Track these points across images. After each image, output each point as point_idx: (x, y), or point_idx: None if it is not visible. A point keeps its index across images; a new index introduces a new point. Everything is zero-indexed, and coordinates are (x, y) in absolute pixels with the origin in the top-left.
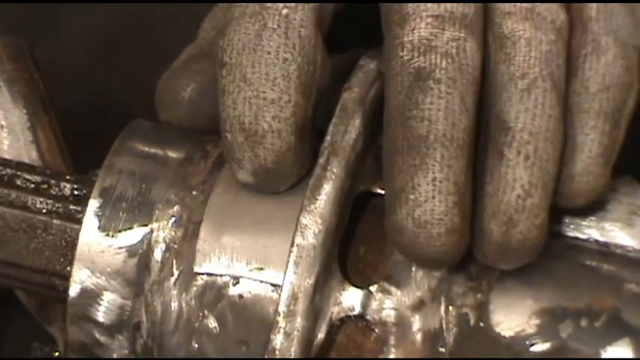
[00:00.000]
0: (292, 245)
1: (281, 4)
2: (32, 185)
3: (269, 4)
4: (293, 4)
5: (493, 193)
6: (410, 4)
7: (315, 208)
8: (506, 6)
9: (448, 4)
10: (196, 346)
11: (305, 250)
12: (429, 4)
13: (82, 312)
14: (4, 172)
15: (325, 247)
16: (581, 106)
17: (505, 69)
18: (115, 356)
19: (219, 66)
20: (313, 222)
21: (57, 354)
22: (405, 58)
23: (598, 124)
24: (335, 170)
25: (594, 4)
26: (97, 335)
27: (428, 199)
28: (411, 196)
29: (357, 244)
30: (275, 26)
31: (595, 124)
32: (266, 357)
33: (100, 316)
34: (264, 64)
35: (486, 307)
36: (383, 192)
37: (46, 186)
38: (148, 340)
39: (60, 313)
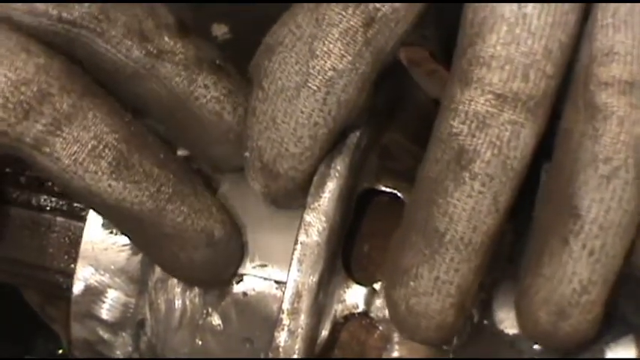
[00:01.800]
0: (296, 243)
1: (328, 63)
2: (36, 183)
3: (319, 52)
4: (341, 67)
5: (549, 277)
6: (476, 70)
7: (319, 205)
8: (604, 75)
9: (515, 84)
10: (200, 343)
11: (309, 247)
12: (495, 79)
13: (85, 309)
14: (8, 170)
15: (329, 245)
16: None
17: (590, 146)
18: (118, 353)
19: (257, 84)
20: (317, 220)
21: (60, 351)
22: (454, 129)
23: None
24: (339, 168)
25: None
26: (101, 332)
27: (426, 293)
28: (412, 283)
29: (361, 242)
30: (315, 88)
31: None
32: (270, 354)
33: (104, 313)
34: (294, 120)
35: (490, 304)
36: (386, 189)
37: (50, 183)
38: (151, 338)
39: (64, 310)
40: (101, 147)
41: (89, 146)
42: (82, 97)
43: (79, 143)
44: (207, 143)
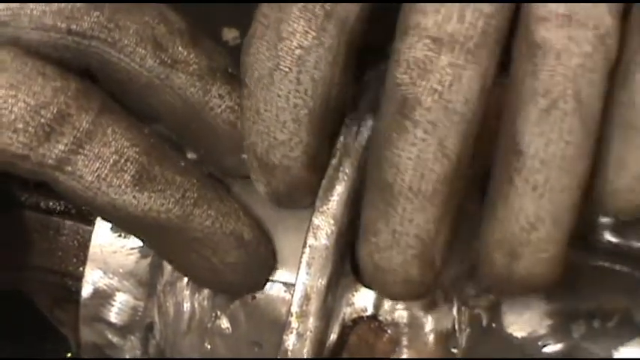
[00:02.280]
0: (305, 246)
1: (295, 42)
2: (45, 186)
3: (285, 34)
4: (307, 43)
5: (502, 219)
6: (413, 17)
7: (328, 209)
8: (541, 11)
9: (450, 26)
10: (209, 347)
11: (317, 250)
12: (430, 23)
13: (94, 313)
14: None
15: (337, 248)
16: (627, 120)
17: (530, 83)
18: (127, 357)
19: (243, 82)
20: (326, 223)
21: (69, 355)
22: (397, 79)
23: None
24: (347, 171)
25: None
26: (110, 336)
27: (387, 247)
28: (373, 239)
29: None
30: (287, 69)
31: None
32: (278, 358)
33: (113, 316)
34: (274, 106)
35: (499, 308)
36: None
37: None
38: (160, 341)
39: (72, 314)
40: (123, 161)
41: (111, 161)
42: (100, 114)
43: (101, 159)
44: (221, 153)
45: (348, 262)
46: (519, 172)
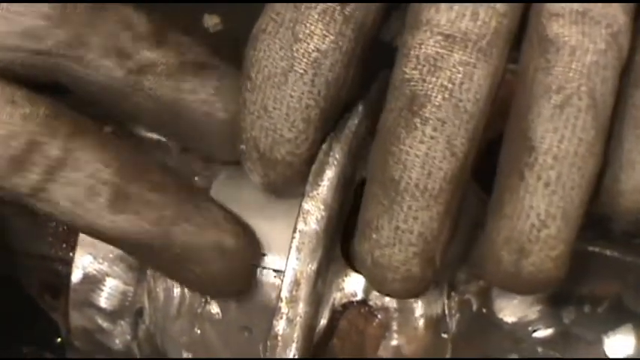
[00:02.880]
0: (295, 231)
1: (312, 45)
2: None
3: (302, 35)
4: (324, 47)
5: (509, 215)
6: (425, 12)
7: (318, 194)
8: (555, 7)
9: (463, 24)
10: (199, 332)
11: (307, 236)
12: (443, 20)
13: (84, 298)
14: None
15: (327, 233)
16: (638, 121)
17: (542, 78)
18: (117, 342)
19: (245, 75)
20: (316, 208)
21: (59, 340)
22: (407, 75)
23: None
24: (337, 156)
25: None
26: (100, 321)
27: (388, 244)
28: (374, 236)
29: None
30: (302, 71)
31: None
32: (268, 343)
33: (103, 301)
34: (285, 105)
35: (489, 293)
36: None
37: None
38: (150, 326)
39: (62, 298)
40: (97, 185)
41: (85, 186)
42: (71, 138)
43: (75, 185)
44: (203, 143)
45: (338, 247)
46: (531, 167)
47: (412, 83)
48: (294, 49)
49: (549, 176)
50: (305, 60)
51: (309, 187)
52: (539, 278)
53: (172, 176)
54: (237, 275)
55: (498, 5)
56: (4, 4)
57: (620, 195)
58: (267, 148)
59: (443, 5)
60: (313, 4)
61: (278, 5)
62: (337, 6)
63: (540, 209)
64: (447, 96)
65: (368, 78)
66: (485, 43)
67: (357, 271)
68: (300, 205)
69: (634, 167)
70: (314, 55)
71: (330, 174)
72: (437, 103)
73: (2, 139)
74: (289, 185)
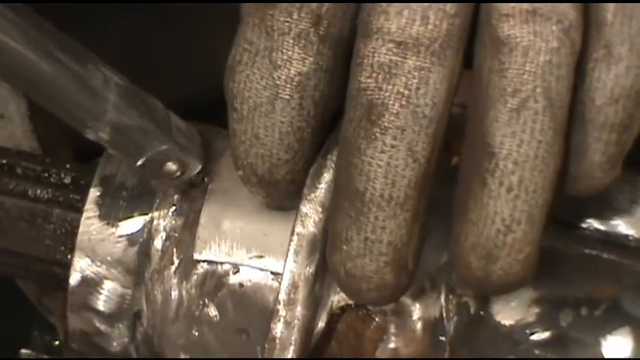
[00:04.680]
0: (293, 234)
1: (292, 70)
2: (32, 174)
3: (280, 62)
4: (306, 70)
5: (475, 221)
6: (375, 20)
7: (316, 196)
8: (504, 7)
9: (414, 29)
10: (197, 334)
11: (305, 238)
12: (393, 27)
13: (82, 300)
14: (4, 161)
15: (325, 236)
16: (585, 116)
17: (497, 81)
18: (115, 344)
19: (230, 106)
20: (314, 210)
21: (57, 343)
22: (362, 84)
23: (602, 135)
24: (335, 159)
25: (611, 5)
26: (98, 324)
27: (359, 255)
28: (345, 247)
29: None
30: (288, 97)
31: (599, 136)
32: (266, 345)
33: (101, 304)
34: (277, 131)
35: (486, 296)
36: None
37: (46, 174)
38: (148, 329)
39: (60, 301)
40: None
41: None
42: None
43: None
44: None
45: None
46: (492, 173)
47: (368, 92)
48: (276, 76)
49: (511, 181)
50: (289, 86)
51: (307, 190)
52: (509, 281)
53: None
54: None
55: (448, 6)
56: None
57: (574, 179)
58: (266, 172)
59: (392, 11)
60: (286, 30)
61: (249, 34)
62: (311, 28)
63: (505, 214)
64: (404, 103)
65: None
66: (438, 47)
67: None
68: (298, 208)
69: (584, 158)
70: (297, 79)
71: (327, 177)
72: (395, 111)
73: None
74: (294, 200)
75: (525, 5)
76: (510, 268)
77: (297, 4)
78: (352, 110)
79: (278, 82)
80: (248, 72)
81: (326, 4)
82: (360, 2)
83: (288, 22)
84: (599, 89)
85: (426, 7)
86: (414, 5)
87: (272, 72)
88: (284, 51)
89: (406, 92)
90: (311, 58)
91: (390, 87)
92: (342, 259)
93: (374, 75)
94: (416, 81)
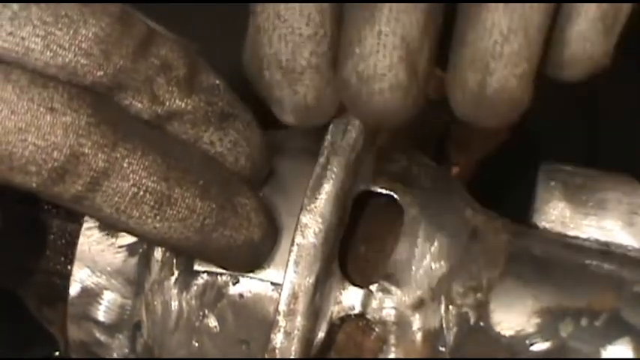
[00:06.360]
0: (292, 244)
1: None
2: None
3: None
4: None
5: (472, 41)
6: None
7: (316, 207)
8: None
9: None
10: (197, 345)
11: (305, 249)
12: None
13: (82, 311)
14: None
15: (325, 247)
16: None
17: None
18: (115, 355)
19: (253, 4)
20: (313, 221)
21: (57, 353)
22: None
23: None
24: (335, 170)
25: None
26: (98, 334)
27: (372, 53)
28: (357, 50)
29: (357, 243)
30: None
31: None
32: (266, 356)
33: (101, 315)
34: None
35: (486, 306)
36: (383, 191)
37: None
38: (148, 340)
39: (61, 312)
40: (141, 193)
41: (129, 194)
42: (114, 147)
43: (120, 194)
44: None
45: (336, 261)
46: None
47: None
48: None
49: None
50: None
51: (307, 201)
52: (504, 98)
53: (213, 169)
54: (259, 260)
55: None
56: (50, 37)
57: (565, 44)
58: (290, 55)
59: None
60: None
61: None
62: None
63: (502, 25)
64: None
65: None
66: None
67: (355, 284)
68: (298, 219)
69: (577, 12)
70: None
71: (328, 187)
72: None
73: (43, 150)
74: (321, 105)
75: None
76: (507, 82)
77: None
78: None
79: None
80: None
81: None
82: None
83: None
84: None
85: None
86: None
87: None
88: None
89: None
90: None
91: None
92: (353, 64)
93: None
94: None
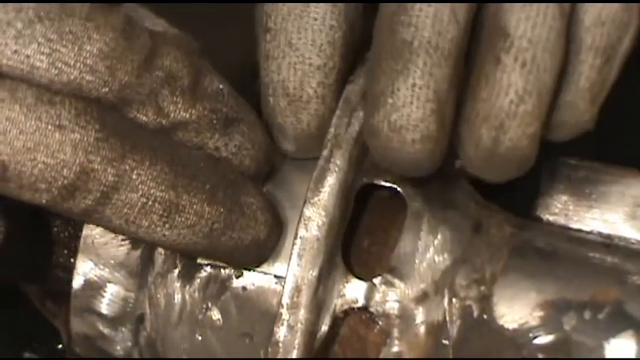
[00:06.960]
0: (296, 237)
1: None
2: None
3: None
4: None
5: (487, 98)
6: None
7: (319, 200)
8: None
9: None
10: (200, 338)
11: (308, 242)
12: None
13: (85, 304)
14: None
15: (329, 240)
16: (574, 36)
17: None
18: (118, 348)
19: (262, 31)
20: (317, 214)
21: (60, 346)
22: None
23: (588, 58)
24: (338, 162)
25: None
26: (101, 327)
27: (406, 104)
28: (390, 100)
29: (361, 237)
30: None
31: (585, 58)
32: (269, 349)
33: (104, 308)
34: (310, 30)
35: (490, 299)
36: (386, 184)
37: None
38: (151, 332)
39: (64, 305)
40: (150, 202)
41: (139, 205)
42: (123, 160)
43: (129, 205)
44: None
45: (339, 254)
46: (507, 51)
47: None
48: None
49: (525, 58)
50: None
51: (310, 194)
52: (515, 155)
53: (218, 172)
54: (265, 255)
55: None
56: (55, 54)
57: (556, 108)
58: (298, 84)
59: None
60: None
61: None
62: None
63: (518, 86)
64: None
65: None
66: None
67: (358, 277)
68: (302, 212)
69: (568, 81)
70: None
71: (331, 180)
72: None
73: (53, 168)
74: (323, 134)
75: None
76: (519, 141)
77: None
78: None
79: None
80: None
81: None
82: None
83: None
84: (589, 10)
85: None
86: None
87: None
88: None
89: None
90: None
91: None
92: (386, 113)
93: None
94: None
